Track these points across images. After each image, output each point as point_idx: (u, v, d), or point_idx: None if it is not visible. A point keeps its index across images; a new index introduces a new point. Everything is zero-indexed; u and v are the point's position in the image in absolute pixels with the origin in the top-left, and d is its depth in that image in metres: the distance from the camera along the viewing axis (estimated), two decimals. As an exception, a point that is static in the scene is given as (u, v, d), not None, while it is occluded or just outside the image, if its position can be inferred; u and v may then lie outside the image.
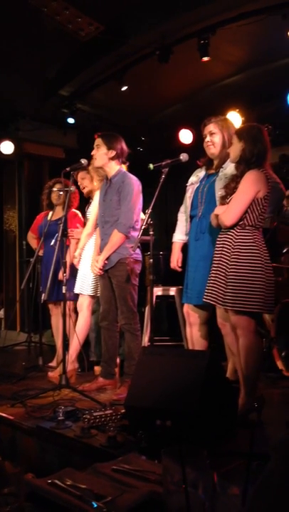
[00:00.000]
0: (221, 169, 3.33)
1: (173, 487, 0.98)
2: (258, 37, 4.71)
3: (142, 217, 3.85)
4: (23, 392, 3.61)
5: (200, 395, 2.29)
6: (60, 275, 3.76)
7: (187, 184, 3.58)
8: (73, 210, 4.88)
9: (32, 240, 5.21)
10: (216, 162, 3.40)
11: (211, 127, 3.36)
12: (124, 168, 3.94)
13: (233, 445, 2.38)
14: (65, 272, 3.63)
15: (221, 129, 3.34)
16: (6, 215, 7.37)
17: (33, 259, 4.57)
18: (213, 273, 2.98)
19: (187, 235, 3.54)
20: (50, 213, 4.84)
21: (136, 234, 3.63)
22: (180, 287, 4.42)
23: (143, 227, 3.34)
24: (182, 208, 3.65)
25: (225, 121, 3.40)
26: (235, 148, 2.98)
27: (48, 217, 4.80)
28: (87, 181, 4.60)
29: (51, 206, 4.85)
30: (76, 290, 4.30)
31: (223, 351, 3.51)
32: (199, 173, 3.52)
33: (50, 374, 4.16)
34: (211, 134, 3.36)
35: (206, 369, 2.38)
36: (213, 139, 3.35)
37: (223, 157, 3.34)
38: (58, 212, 4.67)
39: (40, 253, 4.77)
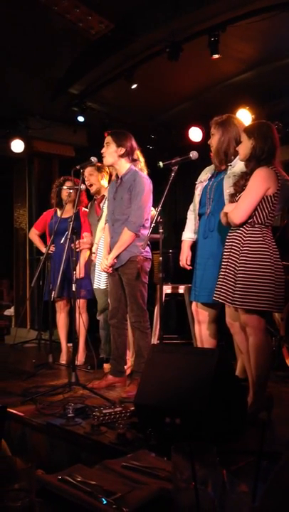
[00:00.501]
0: (230, 167, 3.32)
1: (182, 484, 0.98)
2: (269, 34, 4.67)
3: (152, 212, 3.85)
4: (33, 389, 3.63)
5: (209, 393, 2.30)
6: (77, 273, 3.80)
7: (196, 182, 3.57)
8: (84, 209, 4.90)
9: (34, 235, 5.22)
10: (213, 163, 3.41)
11: (211, 128, 3.38)
12: (142, 162, 3.96)
13: (242, 443, 2.38)
14: (74, 269, 3.65)
15: (218, 129, 3.33)
16: (16, 213, 7.41)
17: (43, 257, 4.61)
18: (222, 271, 2.98)
19: (196, 233, 3.54)
20: (59, 211, 4.87)
21: (146, 232, 3.65)
22: (189, 285, 4.41)
23: (152, 225, 3.35)
24: (191, 206, 3.64)
25: (225, 121, 3.35)
26: (245, 146, 2.96)
27: (58, 215, 4.83)
28: (94, 178, 4.61)
29: (61, 204, 4.87)
30: (94, 285, 4.37)
31: (232, 349, 3.50)
32: (209, 171, 3.52)
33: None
34: (212, 135, 3.37)
35: (215, 367, 2.38)
36: (211, 141, 3.36)
37: (221, 158, 3.33)
38: (68, 210, 4.69)
39: (51, 250, 4.80)
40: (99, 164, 4.25)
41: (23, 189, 7.29)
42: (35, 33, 4.87)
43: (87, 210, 4.90)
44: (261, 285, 2.78)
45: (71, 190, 4.53)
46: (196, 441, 0.99)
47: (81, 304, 4.69)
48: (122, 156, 3.69)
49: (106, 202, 4.28)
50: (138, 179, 3.65)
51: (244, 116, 5.54)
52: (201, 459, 0.97)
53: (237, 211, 2.89)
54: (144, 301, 3.68)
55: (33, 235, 5.25)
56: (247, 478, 0.97)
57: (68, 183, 4.78)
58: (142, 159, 4.02)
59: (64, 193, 4.80)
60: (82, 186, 4.22)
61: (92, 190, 4.64)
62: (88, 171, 4.54)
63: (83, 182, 4.31)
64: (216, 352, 2.54)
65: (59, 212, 4.89)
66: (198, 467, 0.95)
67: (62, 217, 4.62)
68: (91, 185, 4.62)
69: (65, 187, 4.68)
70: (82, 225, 4.74)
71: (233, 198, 3.00)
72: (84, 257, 4.71)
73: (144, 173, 3.95)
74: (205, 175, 3.52)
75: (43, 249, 4.87)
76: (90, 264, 4.76)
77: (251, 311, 2.82)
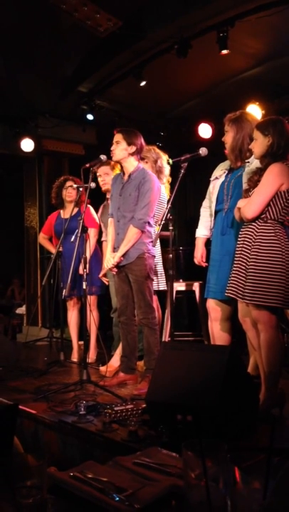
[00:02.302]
0: (247, 163, 3.30)
1: (194, 481, 0.98)
2: (278, 28, 4.64)
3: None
4: (45, 386, 3.65)
5: (221, 390, 2.29)
6: (81, 270, 3.82)
7: (211, 178, 3.55)
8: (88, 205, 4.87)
9: (43, 240, 5.22)
10: (229, 160, 3.39)
11: (225, 126, 3.35)
12: (164, 157, 4.02)
13: (254, 440, 2.37)
14: (85, 267, 3.66)
15: (232, 126, 3.31)
16: (27, 212, 7.44)
17: (54, 255, 4.62)
18: (235, 267, 2.97)
19: (211, 230, 3.52)
20: (62, 211, 4.90)
21: (152, 229, 3.66)
22: (201, 282, 4.39)
23: (162, 222, 3.34)
24: (205, 203, 3.62)
25: (239, 117, 3.33)
26: (261, 144, 2.93)
27: (63, 216, 4.85)
28: (109, 178, 4.60)
29: (62, 204, 4.90)
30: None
31: (245, 346, 3.49)
32: (224, 167, 3.49)
33: (101, 368, 4.20)
34: (225, 132, 3.35)
35: (226, 364, 2.37)
36: (225, 138, 3.34)
37: (236, 154, 3.31)
38: (70, 210, 4.70)
39: (60, 249, 4.81)
40: (112, 164, 4.27)
41: (34, 188, 7.32)
42: (43, 32, 4.88)
43: (89, 207, 4.87)
44: (271, 281, 2.77)
45: (80, 189, 4.52)
46: (208, 438, 0.99)
47: (92, 300, 4.69)
48: (132, 154, 3.71)
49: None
50: (148, 177, 3.67)
51: (254, 111, 5.51)
52: (212, 456, 0.97)
53: (249, 206, 2.88)
54: (152, 297, 3.69)
55: (42, 239, 5.25)
56: (259, 475, 0.97)
57: (69, 183, 4.77)
58: (164, 157, 4.06)
59: (66, 193, 4.82)
60: (92, 184, 4.21)
61: (104, 188, 4.64)
62: (104, 170, 4.53)
63: (94, 180, 4.32)
64: (228, 349, 2.54)
65: (62, 213, 4.91)
66: (209, 464, 0.95)
67: (65, 217, 4.64)
68: (104, 184, 4.61)
69: (75, 185, 4.68)
70: (86, 221, 4.73)
71: (247, 193, 2.99)
72: (90, 253, 4.68)
73: (167, 168, 4.02)
74: (220, 171, 3.49)
75: (54, 251, 4.87)
76: (99, 260, 4.77)
77: (262, 306, 2.81)
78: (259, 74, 5.47)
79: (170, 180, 4.19)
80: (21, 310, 7.78)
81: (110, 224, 3.87)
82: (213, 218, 3.46)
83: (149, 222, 3.68)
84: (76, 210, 4.70)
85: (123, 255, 3.64)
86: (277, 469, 0.93)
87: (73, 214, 4.58)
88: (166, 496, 1.20)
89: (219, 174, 3.47)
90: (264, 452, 0.96)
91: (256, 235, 2.86)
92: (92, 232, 4.68)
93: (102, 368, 4.15)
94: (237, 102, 5.22)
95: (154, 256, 3.78)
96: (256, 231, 2.87)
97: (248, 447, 2.10)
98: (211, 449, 0.98)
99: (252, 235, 2.88)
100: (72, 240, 4.70)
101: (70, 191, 4.79)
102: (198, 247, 3.64)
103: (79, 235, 3.66)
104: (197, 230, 3.67)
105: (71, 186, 4.72)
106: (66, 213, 4.82)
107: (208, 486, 0.93)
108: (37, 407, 3.13)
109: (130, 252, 3.64)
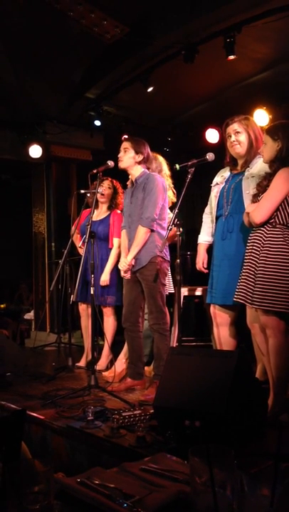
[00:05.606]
0: (248, 168, 3.30)
1: (201, 487, 0.98)
2: (285, 33, 4.64)
3: (169, 215, 3.85)
4: (53, 392, 3.65)
5: (229, 395, 2.28)
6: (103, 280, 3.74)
7: (212, 185, 3.56)
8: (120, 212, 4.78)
9: (76, 235, 5.08)
10: (241, 161, 3.37)
11: (236, 126, 3.33)
12: (165, 166, 4.10)
13: (263, 446, 2.36)
14: (92, 273, 3.65)
15: (246, 128, 3.32)
16: (35, 218, 7.47)
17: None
18: (243, 272, 2.96)
19: (213, 235, 3.52)
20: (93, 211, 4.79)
21: (164, 232, 3.64)
22: (207, 287, 4.37)
23: (170, 227, 3.35)
24: (207, 209, 3.63)
25: (248, 120, 3.37)
26: (271, 148, 2.93)
27: (91, 216, 4.76)
28: None
29: (96, 203, 4.75)
30: None
31: (252, 351, 3.47)
32: (224, 173, 3.50)
33: (104, 373, 4.22)
34: (236, 132, 3.33)
35: (234, 369, 2.36)
36: (239, 138, 3.32)
37: (250, 156, 3.31)
38: (102, 211, 4.66)
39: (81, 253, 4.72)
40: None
41: (42, 194, 7.36)
42: (51, 39, 4.92)
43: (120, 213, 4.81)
44: (280, 286, 2.76)
45: (88, 194, 4.49)
46: (217, 443, 0.99)
47: (108, 309, 4.62)
48: (139, 162, 3.73)
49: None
50: (151, 178, 3.70)
51: (261, 116, 5.52)
52: (219, 462, 0.97)
53: (258, 211, 2.88)
54: (164, 302, 3.67)
55: (76, 235, 5.04)
56: (266, 482, 0.96)
57: (107, 182, 4.61)
58: (165, 167, 4.07)
59: (98, 194, 4.67)
60: (100, 190, 4.19)
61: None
62: None
63: (101, 185, 4.29)
64: (235, 354, 2.52)
65: (92, 213, 4.80)
66: (216, 470, 0.95)
67: (94, 219, 4.56)
68: None
69: (82, 191, 4.65)
70: (111, 228, 4.56)
71: (256, 198, 2.99)
72: (111, 263, 4.59)
73: (167, 177, 4.03)
74: (220, 177, 3.51)
75: (81, 251, 4.76)
76: (117, 271, 4.71)
77: (270, 312, 2.80)
78: (266, 78, 5.47)
79: (172, 183, 4.18)
80: (29, 315, 7.79)
81: (124, 236, 3.85)
82: (214, 224, 3.47)
83: (160, 225, 3.67)
84: (106, 214, 4.61)
85: (136, 258, 3.63)
86: (284, 475, 0.93)
87: (100, 217, 4.54)
88: (173, 502, 1.19)
89: (220, 180, 3.48)
90: (272, 458, 0.96)
91: (265, 240, 2.85)
92: (116, 243, 4.56)
93: (105, 373, 4.15)
94: (244, 106, 5.22)
95: (169, 261, 3.76)
96: (265, 236, 2.86)
97: (256, 453, 2.09)
98: (219, 455, 0.97)
99: (260, 240, 2.87)
100: (79, 245, 4.69)
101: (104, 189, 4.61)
102: (200, 253, 3.64)
103: (86, 240, 3.65)
104: (199, 236, 3.67)
105: (84, 191, 4.55)
106: (97, 214, 4.64)
107: (215, 492, 0.92)
108: (45, 413, 3.13)
109: (142, 256, 3.62)
